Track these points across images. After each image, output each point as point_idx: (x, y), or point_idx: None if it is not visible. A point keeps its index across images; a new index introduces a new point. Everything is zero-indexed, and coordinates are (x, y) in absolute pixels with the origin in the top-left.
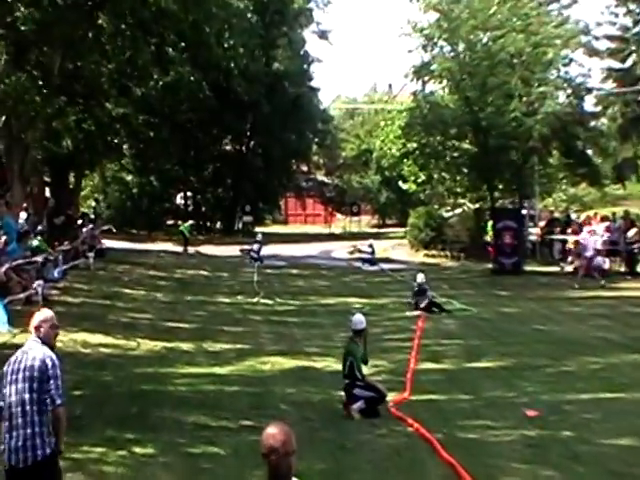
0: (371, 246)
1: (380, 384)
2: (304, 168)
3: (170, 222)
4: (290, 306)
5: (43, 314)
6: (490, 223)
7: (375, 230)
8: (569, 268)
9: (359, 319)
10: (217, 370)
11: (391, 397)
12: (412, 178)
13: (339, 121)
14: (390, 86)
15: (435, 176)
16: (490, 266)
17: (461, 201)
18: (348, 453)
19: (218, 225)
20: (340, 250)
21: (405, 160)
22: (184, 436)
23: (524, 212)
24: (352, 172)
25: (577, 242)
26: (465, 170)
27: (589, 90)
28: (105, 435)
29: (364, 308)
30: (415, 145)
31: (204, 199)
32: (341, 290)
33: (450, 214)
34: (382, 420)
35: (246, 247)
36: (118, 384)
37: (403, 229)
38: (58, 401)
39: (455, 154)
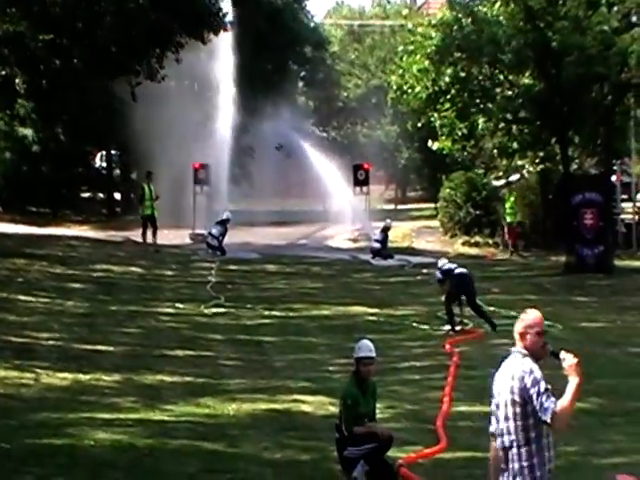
0: (385, 230)
1: (380, 425)
2: (285, 114)
3: (86, 195)
4: (266, 319)
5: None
6: (512, 198)
7: (391, 207)
8: None
9: (366, 346)
10: (155, 415)
11: (411, 453)
12: (446, 130)
13: (338, 45)
14: None
15: (480, 126)
16: (564, 259)
17: (519, 163)
18: None
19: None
20: (341, 236)
21: (435, 105)
22: None
23: (614, 179)
24: (357, 121)
25: None
26: (525, 116)
27: None
28: None
29: (377, 322)
30: (450, 80)
31: (133, 160)
32: (341, 295)
33: (502, 182)
34: None
35: (200, 232)
36: (6, 438)
37: (432, 205)
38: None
39: (510, 93)
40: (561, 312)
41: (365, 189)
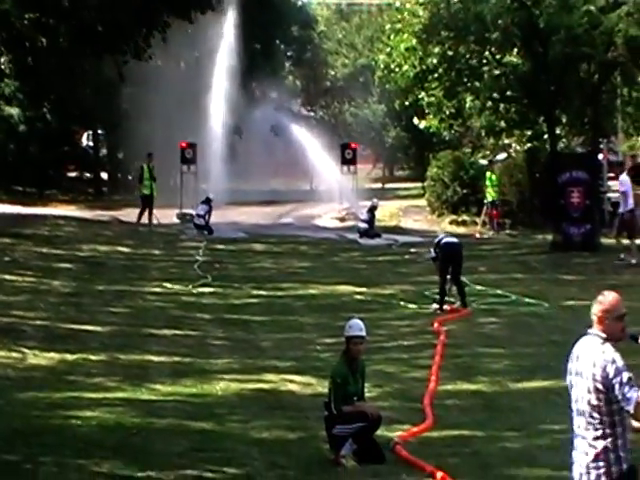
0: (372, 210)
1: (369, 404)
2: (272, 94)
3: (73, 174)
4: (253, 299)
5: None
6: (493, 176)
7: (379, 186)
8: None
9: (356, 325)
10: (142, 395)
11: (399, 432)
12: (433, 109)
13: (325, 24)
14: None
15: (467, 105)
16: (551, 238)
17: (506, 142)
18: None
19: None
20: (328, 216)
21: (423, 83)
22: None
23: (600, 157)
24: (344, 100)
25: None
26: (512, 95)
27: None
28: None
29: (364, 301)
30: (438, 59)
31: (120, 139)
32: (329, 275)
33: (489, 161)
34: (389, 467)
35: (187, 211)
36: None
37: (420, 184)
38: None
39: (497, 71)
40: (547, 290)
41: (352, 168)
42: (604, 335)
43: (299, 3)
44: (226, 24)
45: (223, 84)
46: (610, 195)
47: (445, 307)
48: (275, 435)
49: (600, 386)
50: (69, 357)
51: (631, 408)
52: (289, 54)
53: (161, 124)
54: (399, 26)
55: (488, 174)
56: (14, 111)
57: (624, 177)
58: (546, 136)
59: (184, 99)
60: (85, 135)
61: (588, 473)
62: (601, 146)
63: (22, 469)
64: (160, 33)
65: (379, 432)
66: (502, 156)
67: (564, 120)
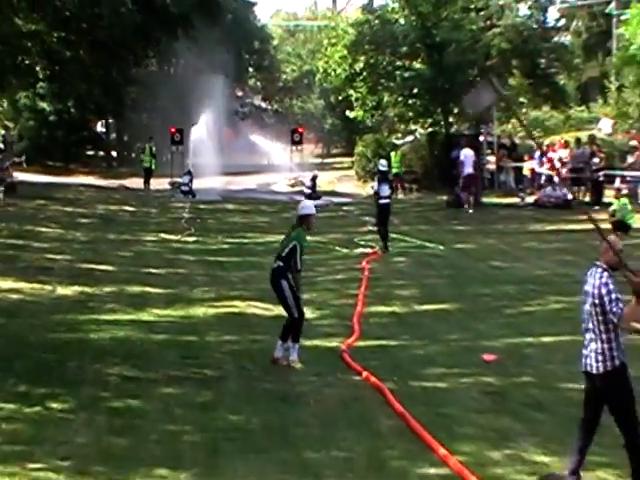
0: (313, 179)
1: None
2: (239, 93)
3: (90, 153)
4: (226, 245)
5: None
6: (394, 154)
7: (319, 160)
8: (530, 199)
9: (306, 204)
10: (144, 317)
11: (340, 342)
12: (359, 103)
13: (278, 40)
14: (334, 0)
15: (385, 99)
16: (445, 198)
17: (413, 127)
18: (291, 406)
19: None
20: (281, 183)
21: (352, 83)
22: (106, 390)
23: (481, 139)
24: (293, 96)
25: (533, 170)
26: (418, 92)
27: (552, 1)
28: (17, 390)
29: (308, 246)
30: (362, 65)
31: (125, 126)
32: (282, 227)
33: (401, 142)
34: (328, 368)
35: (176, 180)
36: (31, 333)
37: (350, 159)
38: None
39: (406, 75)
40: (443, 237)
41: (300, 147)
42: (605, 265)
43: (259, 24)
44: (205, 39)
45: (203, 84)
46: (488, 167)
47: (369, 250)
48: (243, 346)
49: (597, 301)
50: (88, 289)
51: (615, 319)
52: (252, 62)
53: (157, 114)
54: (334, 41)
55: (392, 154)
56: (46, 105)
57: (464, 151)
58: (442, 123)
59: (174, 95)
60: (99, 123)
61: (591, 366)
62: (482, 130)
63: (54, 371)
64: (154, 47)
65: (319, 343)
66: (410, 138)
67: (455, 111)
